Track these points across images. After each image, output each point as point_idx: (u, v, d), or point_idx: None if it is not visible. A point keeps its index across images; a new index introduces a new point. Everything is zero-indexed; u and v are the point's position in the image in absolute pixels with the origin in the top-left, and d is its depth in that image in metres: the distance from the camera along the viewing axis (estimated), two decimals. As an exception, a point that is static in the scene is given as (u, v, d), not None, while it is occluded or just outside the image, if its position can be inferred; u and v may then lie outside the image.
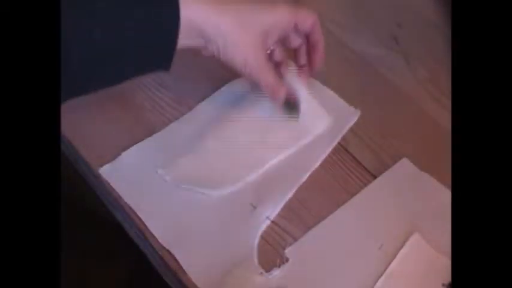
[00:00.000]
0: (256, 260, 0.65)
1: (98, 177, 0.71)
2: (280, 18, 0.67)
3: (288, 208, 0.69)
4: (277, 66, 0.71)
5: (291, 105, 0.71)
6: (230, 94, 0.77)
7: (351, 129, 0.75)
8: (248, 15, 0.65)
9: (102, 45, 0.57)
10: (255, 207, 0.68)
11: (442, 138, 0.71)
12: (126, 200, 0.69)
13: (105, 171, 0.71)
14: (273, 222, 0.67)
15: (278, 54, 0.72)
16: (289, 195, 0.69)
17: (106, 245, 1.01)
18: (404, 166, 0.72)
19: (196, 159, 0.71)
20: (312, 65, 0.73)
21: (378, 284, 0.63)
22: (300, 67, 0.73)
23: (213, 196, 0.69)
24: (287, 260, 0.65)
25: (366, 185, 0.71)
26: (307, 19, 0.69)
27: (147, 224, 0.67)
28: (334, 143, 0.74)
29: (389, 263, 0.65)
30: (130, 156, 0.72)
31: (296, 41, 0.72)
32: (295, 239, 0.67)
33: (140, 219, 0.68)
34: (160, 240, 0.66)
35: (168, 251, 0.66)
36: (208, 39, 0.64)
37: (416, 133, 0.75)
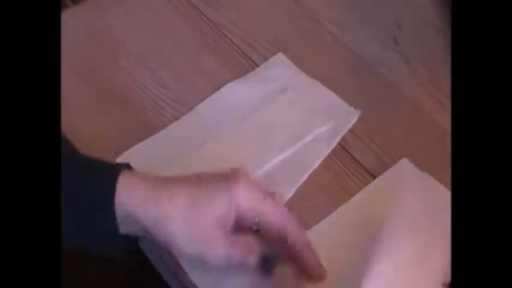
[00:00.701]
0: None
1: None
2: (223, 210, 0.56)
3: (287, 208, 0.69)
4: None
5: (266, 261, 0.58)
6: (230, 94, 0.77)
7: (351, 129, 0.75)
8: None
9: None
10: (255, 207, 0.68)
11: (442, 138, 0.71)
12: (126, 200, 0.69)
13: (105, 171, 0.71)
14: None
15: None
16: (289, 195, 0.69)
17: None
18: (404, 166, 0.72)
19: (196, 159, 0.71)
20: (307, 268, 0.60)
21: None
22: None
23: (213, 196, 0.69)
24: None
25: (365, 185, 0.71)
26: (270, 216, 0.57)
27: (147, 224, 0.67)
28: (334, 143, 0.74)
29: (389, 263, 0.65)
30: (130, 156, 0.71)
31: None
32: (295, 239, 0.67)
33: (140, 219, 0.68)
34: (160, 240, 0.66)
35: (168, 250, 0.66)
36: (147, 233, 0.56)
37: (416, 133, 0.75)
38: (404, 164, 0.72)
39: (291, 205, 0.69)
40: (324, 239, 0.67)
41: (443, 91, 0.78)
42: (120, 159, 0.71)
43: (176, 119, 0.75)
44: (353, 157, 0.73)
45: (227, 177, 0.57)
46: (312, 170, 0.71)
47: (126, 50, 0.82)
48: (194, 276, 0.64)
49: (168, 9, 0.87)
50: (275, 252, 0.57)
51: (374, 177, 0.72)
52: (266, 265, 0.57)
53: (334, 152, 0.73)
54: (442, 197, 0.68)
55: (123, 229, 0.55)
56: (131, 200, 0.54)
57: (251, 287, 0.63)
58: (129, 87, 0.78)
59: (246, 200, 0.56)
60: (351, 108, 0.77)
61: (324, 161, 0.72)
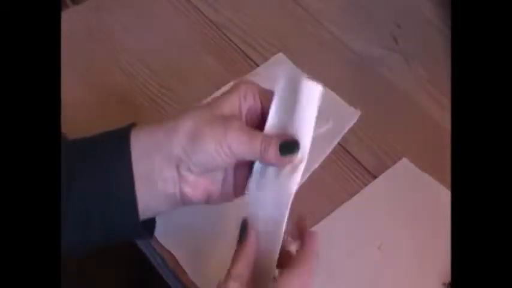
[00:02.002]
0: (256, 260, 0.65)
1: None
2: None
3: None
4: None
5: (287, 146, 0.55)
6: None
7: (351, 129, 0.75)
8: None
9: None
10: (255, 207, 0.68)
11: (442, 138, 0.71)
12: (126, 200, 0.69)
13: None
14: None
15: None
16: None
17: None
18: (404, 166, 0.72)
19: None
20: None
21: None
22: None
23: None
24: (287, 259, 0.65)
25: (366, 185, 0.71)
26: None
27: (147, 224, 0.67)
28: (334, 143, 0.74)
29: (389, 262, 0.65)
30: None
31: None
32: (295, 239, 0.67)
33: (140, 219, 0.68)
34: (160, 240, 0.66)
35: (168, 250, 0.66)
36: (170, 155, 0.54)
37: (416, 133, 0.75)
38: (404, 164, 0.72)
39: (291, 205, 0.69)
40: (324, 238, 0.67)
41: (443, 91, 0.78)
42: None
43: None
44: (353, 157, 0.73)
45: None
46: (312, 170, 0.71)
47: (126, 50, 0.82)
48: (194, 276, 0.64)
49: (168, 9, 0.87)
50: (294, 140, 0.54)
51: (374, 177, 0.72)
52: (288, 150, 0.54)
53: (334, 152, 0.73)
54: (442, 197, 0.68)
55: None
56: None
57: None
58: (129, 87, 0.78)
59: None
60: (351, 108, 0.77)
61: (324, 161, 0.72)
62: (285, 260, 0.54)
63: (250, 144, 0.53)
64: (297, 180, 0.55)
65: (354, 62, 0.82)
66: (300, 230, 0.55)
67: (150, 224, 0.59)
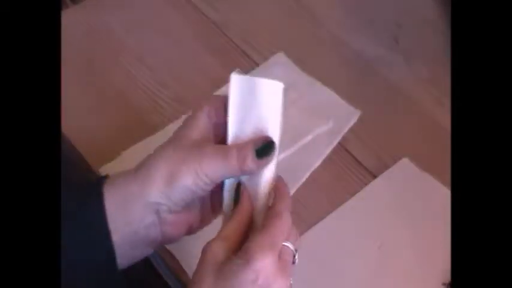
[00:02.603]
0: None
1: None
2: None
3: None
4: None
5: (263, 149, 0.54)
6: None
7: (351, 129, 0.75)
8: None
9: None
10: (255, 207, 0.68)
11: (442, 138, 0.71)
12: (126, 200, 0.69)
13: (106, 171, 0.71)
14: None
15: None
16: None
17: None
18: (404, 166, 0.72)
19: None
20: None
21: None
22: None
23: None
24: (287, 259, 0.65)
25: (366, 185, 0.71)
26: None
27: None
28: (334, 143, 0.74)
29: (389, 262, 0.65)
30: (130, 155, 0.72)
31: None
32: (295, 239, 0.67)
33: (140, 219, 0.68)
34: (160, 240, 0.66)
35: (168, 250, 0.66)
36: (147, 203, 0.53)
37: (416, 133, 0.75)
38: (404, 163, 0.72)
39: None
40: (324, 238, 0.67)
41: (443, 91, 0.78)
42: (120, 159, 0.71)
43: (176, 118, 0.75)
44: (353, 157, 0.73)
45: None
46: (312, 169, 0.71)
47: (126, 50, 0.82)
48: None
49: (168, 9, 0.87)
50: (268, 139, 0.54)
51: (374, 177, 0.72)
52: (265, 152, 0.53)
53: (334, 151, 0.73)
54: (442, 196, 0.68)
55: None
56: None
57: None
58: (129, 86, 0.79)
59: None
60: (351, 108, 0.77)
61: (324, 161, 0.73)
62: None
63: (227, 165, 0.52)
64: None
65: (354, 62, 0.82)
66: (274, 190, 0.54)
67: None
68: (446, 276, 0.64)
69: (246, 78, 0.53)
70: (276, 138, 0.54)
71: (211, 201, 0.57)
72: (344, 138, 0.74)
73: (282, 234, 0.51)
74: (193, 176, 0.52)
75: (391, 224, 0.68)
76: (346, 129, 0.75)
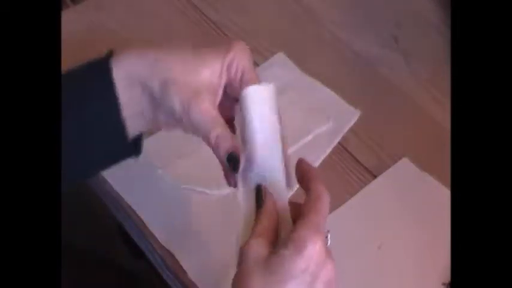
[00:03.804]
0: (256, 260, 0.65)
1: (98, 177, 0.71)
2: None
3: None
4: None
5: (232, 159, 0.55)
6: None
7: (351, 129, 0.75)
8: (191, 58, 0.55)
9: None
10: (255, 207, 0.68)
11: (442, 138, 0.71)
12: (126, 200, 0.69)
13: (106, 171, 0.71)
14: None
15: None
16: (290, 194, 0.69)
17: (106, 244, 1.01)
18: (404, 166, 0.72)
19: (196, 159, 0.71)
20: None
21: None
22: None
23: (213, 196, 0.69)
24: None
25: (366, 184, 0.71)
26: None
27: (147, 224, 0.68)
28: (334, 143, 0.74)
29: (389, 262, 0.65)
30: (130, 156, 0.72)
31: None
32: (295, 239, 0.67)
33: (140, 219, 0.68)
34: (160, 240, 0.67)
35: (168, 250, 0.66)
36: (145, 83, 0.54)
37: (416, 133, 0.75)
38: (405, 163, 0.72)
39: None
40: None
41: (443, 91, 0.78)
42: (120, 159, 0.71)
43: (176, 118, 0.75)
44: (353, 157, 0.73)
45: (223, 45, 0.56)
46: (312, 169, 0.71)
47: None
48: (194, 276, 0.64)
49: (168, 9, 0.87)
50: (236, 157, 0.54)
51: (374, 177, 0.72)
52: (232, 163, 0.54)
53: (334, 152, 0.73)
54: (442, 196, 0.68)
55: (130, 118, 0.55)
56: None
57: None
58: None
59: (237, 64, 0.55)
60: (351, 108, 0.77)
61: (324, 161, 0.73)
62: (298, 212, 0.51)
63: (206, 132, 0.53)
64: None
65: (354, 62, 0.82)
66: (301, 173, 0.53)
67: (137, 144, 0.58)
68: (446, 276, 0.64)
69: (247, 90, 0.54)
70: (275, 136, 0.54)
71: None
72: (344, 138, 0.74)
73: (325, 216, 0.50)
74: (180, 108, 0.53)
75: (391, 224, 0.68)
76: (346, 129, 0.75)
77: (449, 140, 0.50)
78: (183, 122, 0.54)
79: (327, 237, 0.51)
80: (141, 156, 0.71)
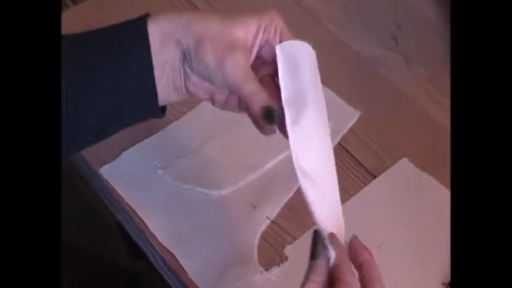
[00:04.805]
0: (256, 259, 0.65)
1: (98, 177, 0.71)
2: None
3: (287, 208, 0.69)
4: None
5: (269, 112, 0.55)
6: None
7: (351, 129, 0.75)
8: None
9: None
10: (255, 207, 0.68)
11: (442, 138, 0.71)
12: (126, 200, 0.69)
13: (106, 171, 0.71)
14: (272, 221, 0.68)
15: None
16: (289, 195, 0.70)
17: (106, 244, 1.01)
18: (404, 166, 0.72)
19: (196, 159, 0.72)
20: None
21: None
22: None
23: (213, 196, 0.69)
24: (286, 258, 0.65)
25: (365, 184, 0.71)
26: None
27: (147, 224, 0.68)
28: (334, 143, 0.74)
29: (389, 262, 0.65)
30: (130, 156, 0.72)
31: None
32: (295, 238, 0.67)
33: (141, 219, 0.68)
34: (160, 240, 0.67)
35: (168, 250, 0.66)
36: (179, 41, 0.55)
37: (416, 133, 0.75)
38: (404, 163, 0.72)
39: (291, 205, 0.69)
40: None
41: (443, 91, 0.78)
42: (121, 159, 0.71)
43: (176, 119, 0.75)
44: (353, 157, 0.73)
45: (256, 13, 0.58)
46: (311, 170, 0.71)
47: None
48: (194, 276, 0.64)
49: (169, 9, 0.87)
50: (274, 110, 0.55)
51: (374, 177, 0.72)
52: (267, 116, 0.54)
53: (334, 152, 0.73)
54: (442, 196, 0.68)
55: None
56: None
57: (250, 286, 0.63)
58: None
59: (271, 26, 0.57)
60: (351, 108, 0.77)
61: (324, 161, 0.72)
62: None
63: (239, 87, 0.54)
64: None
65: (353, 62, 0.82)
66: (353, 252, 0.54)
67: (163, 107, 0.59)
68: (446, 276, 0.64)
69: (287, 44, 0.57)
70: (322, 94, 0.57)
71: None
72: (344, 138, 0.74)
73: None
74: (214, 64, 0.53)
75: (391, 224, 0.68)
76: (345, 130, 0.75)
77: (449, 140, 0.50)
78: (216, 78, 0.54)
79: None
80: (141, 156, 0.72)
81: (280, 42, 0.56)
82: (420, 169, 0.72)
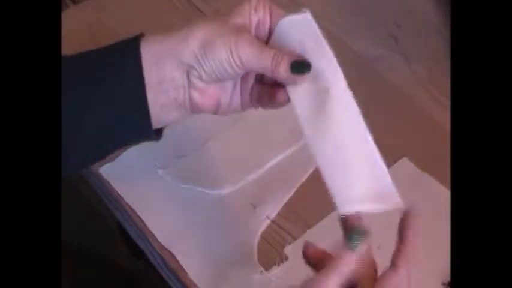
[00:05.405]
0: (256, 259, 0.65)
1: (98, 177, 0.71)
2: None
3: (287, 207, 0.69)
4: None
5: (300, 64, 0.55)
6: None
7: (351, 129, 0.75)
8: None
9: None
10: (255, 207, 0.68)
11: (442, 138, 0.71)
12: (126, 200, 0.69)
13: (106, 171, 0.71)
14: (272, 221, 0.68)
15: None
16: (289, 194, 0.70)
17: (106, 244, 1.01)
18: (404, 166, 0.72)
19: (196, 159, 0.72)
20: None
21: None
22: None
23: (213, 196, 0.69)
24: (286, 258, 0.65)
25: (365, 184, 0.71)
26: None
27: (147, 223, 0.68)
28: (334, 143, 0.74)
29: (389, 262, 0.65)
30: (130, 156, 0.72)
31: None
32: (295, 238, 0.67)
33: (140, 218, 0.68)
34: (160, 240, 0.67)
35: (168, 250, 0.66)
36: (179, 56, 0.54)
37: (416, 133, 0.75)
38: (404, 163, 0.72)
39: (290, 205, 0.69)
40: (324, 238, 0.67)
41: (443, 91, 0.78)
42: (121, 159, 0.71)
43: (176, 119, 0.75)
44: (353, 157, 0.73)
45: None
46: (312, 169, 0.71)
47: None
48: (194, 276, 0.64)
49: (169, 9, 0.87)
50: (305, 60, 0.55)
51: (374, 177, 0.71)
52: (299, 68, 0.54)
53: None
54: (441, 196, 0.68)
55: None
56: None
57: (250, 285, 0.63)
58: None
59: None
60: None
61: (323, 161, 0.72)
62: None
63: (261, 58, 0.54)
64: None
65: (353, 62, 0.82)
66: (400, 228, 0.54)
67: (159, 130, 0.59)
68: (446, 276, 0.64)
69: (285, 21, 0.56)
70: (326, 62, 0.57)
71: (241, 91, 0.58)
72: (344, 138, 0.74)
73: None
74: (227, 53, 0.53)
75: (390, 224, 0.68)
76: (345, 130, 0.75)
77: (449, 140, 0.50)
78: (232, 66, 0.54)
79: None
80: (141, 156, 0.72)
81: (271, 18, 0.57)
82: (420, 169, 0.72)
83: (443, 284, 0.63)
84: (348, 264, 0.50)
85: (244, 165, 0.71)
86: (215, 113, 0.58)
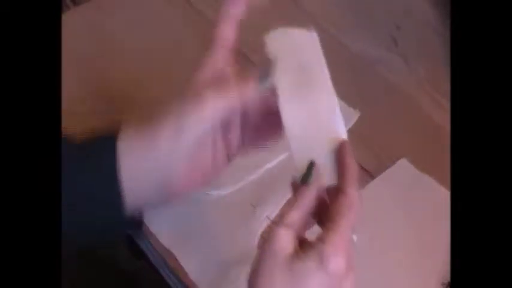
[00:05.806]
0: (256, 260, 0.65)
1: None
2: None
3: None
4: None
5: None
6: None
7: (350, 130, 0.75)
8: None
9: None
10: (255, 207, 0.68)
11: (441, 138, 0.71)
12: (126, 200, 0.69)
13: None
14: (273, 222, 0.68)
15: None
16: (289, 195, 0.69)
17: (106, 244, 1.01)
18: (403, 166, 0.72)
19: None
20: None
21: None
22: None
23: (213, 196, 0.69)
24: (286, 259, 0.65)
25: (364, 185, 0.71)
26: None
27: (147, 223, 0.68)
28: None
29: (388, 262, 0.65)
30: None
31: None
32: (295, 239, 0.67)
33: (140, 219, 0.68)
34: (160, 240, 0.67)
35: (168, 250, 0.66)
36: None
37: (415, 133, 0.76)
38: (403, 164, 0.72)
39: (290, 205, 0.69)
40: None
41: (442, 91, 0.78)
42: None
43: (176, 119, 0.75)
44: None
45: None
46: (311, 170, 0.71)
47: (127, 51, 0.82)
48: (194, 276, 0.64)
49: (168, 9, 0.87)
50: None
51: (373, 178, 0.72)
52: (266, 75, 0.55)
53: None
54: (441, 197, 0.68)
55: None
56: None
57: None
58: (130, 87, 0.79)
59: None
60: (350, 109, 0.77)
61: (323, 162, 0.72)
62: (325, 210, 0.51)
63: (227, 102, 0.54)
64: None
65: (353, 63, 0.82)
66: (341, 167, 0.52)
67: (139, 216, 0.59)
68: (446, 276, 0.64)
69: (281, 32, 0.58)
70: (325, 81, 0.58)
71: (223, 141, 0.57)
72: (343, 138, 0.74)
73: (351, 224, 0.49)
74: (198, 124, 0.53)
75: (390, 225, 0.68)
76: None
77: (449, 141, 0.51)
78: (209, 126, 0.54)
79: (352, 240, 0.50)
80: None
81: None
82: (419, 170, 0.72)
83: (443, 284, 0.64)
84: (309, 197, 0.51)
85: (244, 165, 0.71)
86: (202, 186, 0.58)
